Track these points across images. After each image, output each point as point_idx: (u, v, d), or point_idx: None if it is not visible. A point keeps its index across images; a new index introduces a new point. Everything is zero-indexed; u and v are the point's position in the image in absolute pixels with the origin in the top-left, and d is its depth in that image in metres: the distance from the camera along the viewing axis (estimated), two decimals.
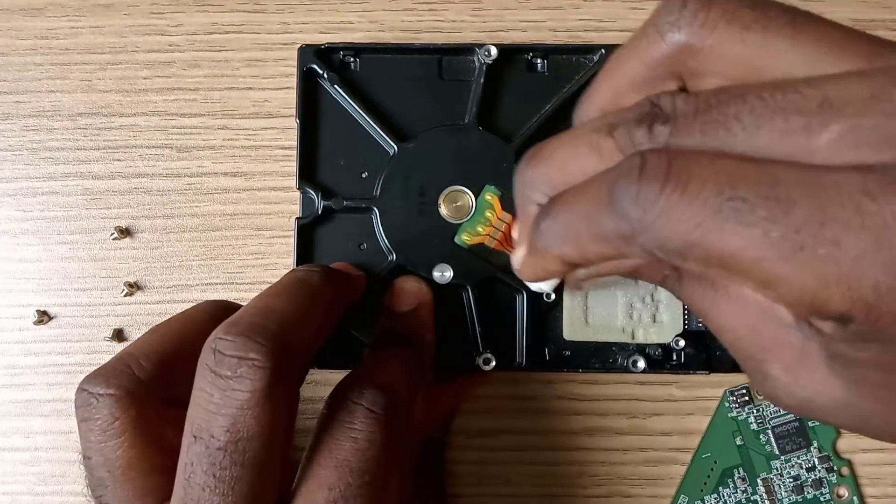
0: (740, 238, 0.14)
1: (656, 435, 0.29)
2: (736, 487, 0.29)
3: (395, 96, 0.27)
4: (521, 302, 0.26)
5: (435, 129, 0.27)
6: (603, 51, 0.27)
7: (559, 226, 0.17)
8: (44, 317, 0.30)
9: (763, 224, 0.14)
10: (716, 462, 0.29)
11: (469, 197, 0.26)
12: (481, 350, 0.26)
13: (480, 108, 0.27)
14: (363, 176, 0.27)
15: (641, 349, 0.26)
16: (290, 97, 0.27)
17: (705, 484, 0.29)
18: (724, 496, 0.29)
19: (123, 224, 0.30)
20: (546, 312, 0.27)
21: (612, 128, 0.17)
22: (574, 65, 0.27)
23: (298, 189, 0.27)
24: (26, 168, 0.30)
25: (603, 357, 0.27)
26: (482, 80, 0.27)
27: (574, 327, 0.26)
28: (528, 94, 0.27)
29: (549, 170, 0.18)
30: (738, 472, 0.29)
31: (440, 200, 0.26)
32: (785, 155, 0.14)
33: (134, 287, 0.30)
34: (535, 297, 0.26)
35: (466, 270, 0.26)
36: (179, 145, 0.30)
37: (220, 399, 0.18)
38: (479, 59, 0.27)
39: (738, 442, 0.29)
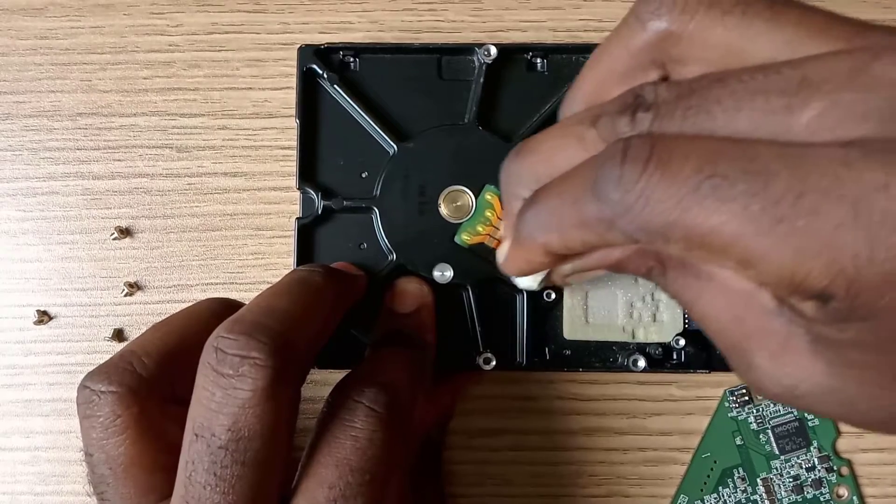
0: (719, 214, 0.14)
1: (656, 435, 0.30)
2: (736, 487, 0.29)
3: (394, 96, 0.27)
4: (522, 301, 0.26)
5: (435, 129, 0.27)
6: None
7: (543, 214, 0.17)
8: (44, 317, 0.30)
9: (742, 198, 0.14)
10: (716, 462, 0.29)
11: (469, 197, 0.26)
12: (481, 349, 0.26)
13: (480, 108, 0.27)
14: (363, 176, 0.27)
15: (642, 348, 0.26)
16: (290, 97, 0.27)
17: (705, 484, 0.29)
18: (723, 496, 0.29)
19: (123, 224, 0.30)
20: (546, 312, 0.27)
21: (596, 119, 0.17)
22: (574, 64, 0.27)
23: (298, 189, 0.27)
24: (26, 168, 0.30)
25: (603, 356, 0.27)
26: (482, 80, 0.27)
27: (574, 326, 0.26)
28: (527, 93, 0.27)
29: (534, 162, 0.19)
30: (738, 472, 0.29)
31: (440, 200, 0.26)
32: (767, 136, 0.14)
33: (134, 287, 0.30)
34: (536, 297, 0.26)
35: (467, 270, 0.26)
36: (179, 145, 0.30)
37: (222, 398, 0.18)
38: (478, 58, 0.27)
39: (738, 442, 0.29)
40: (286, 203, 0.30)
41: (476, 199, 0.26)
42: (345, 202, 0.27)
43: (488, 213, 0.26)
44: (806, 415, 0.29)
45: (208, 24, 0.30)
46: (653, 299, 0.26)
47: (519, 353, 0.26)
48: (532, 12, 0.30)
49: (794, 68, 0.14)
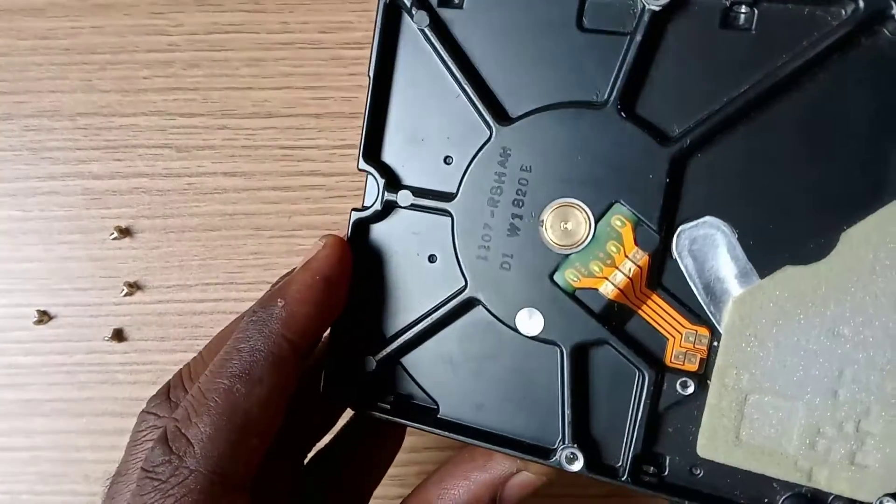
0: None
1: None
2: None
3: (505, 52, 0.20)
4: (641, 385, 0.19)
5: (554, 109, 0.19)
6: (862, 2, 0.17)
7: None
8: (44, 317, 0.30)
9: None
10: None
11: (587, 217, 0.19)
12: (566, 441, 0.19)
13: (629, 82, 0.19)
14: (447, 162, 0.20)
15: (818, 499, 0.18)
16: (290, 97, 0.27)
17: None
18: None
19: (123, 224, 0.30)
20: (675, 406, 0.19)
21: None
22: (804, 20, 0.18)
23: (360, 170, 0.21)
24: (26, 168, 0.30)
25: (753, 493, 0.18)
26: (640, 38, 0.18)
27: (716, 440, 0.18)
28: (713, 64, 0.18)
29: None
30: None
31: (544, 216, 0.19)
32: None
33: (134, 287, 0.30)
34: (665, 382, 0.19)
35: (564, 323, 0.19)
36: (179, 145, 0.30)
37: None
38: (642, 1, 0.18)
39: None
40: (285, 203, 0.30)
41: (596, 222, 0.19)
42: (414, 199, 0.20)
43: (612, 247, 0.19)
44: None
45: (208, 24, 0.30)
46: (857, 430, 0.17)
47: (622, 457, 0.19)
48: None
49: None
